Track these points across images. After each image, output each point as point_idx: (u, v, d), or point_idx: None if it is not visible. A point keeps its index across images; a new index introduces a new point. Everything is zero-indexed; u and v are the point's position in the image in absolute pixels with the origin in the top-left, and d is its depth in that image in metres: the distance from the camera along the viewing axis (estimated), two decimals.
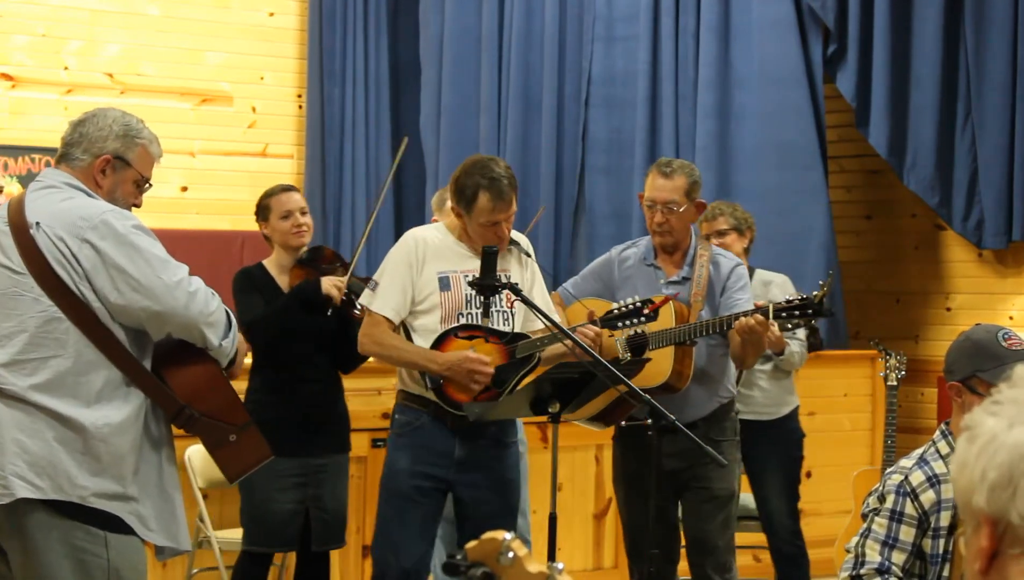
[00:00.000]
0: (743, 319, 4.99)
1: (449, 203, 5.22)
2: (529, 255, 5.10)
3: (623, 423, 5.22)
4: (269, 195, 5.66)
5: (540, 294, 5.09)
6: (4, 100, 8.97)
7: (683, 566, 5.59)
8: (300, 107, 9.90)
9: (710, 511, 5.33)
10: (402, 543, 4.99)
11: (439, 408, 4.93)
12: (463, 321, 4.93)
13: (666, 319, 5.19)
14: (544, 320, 4.79)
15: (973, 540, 1.62)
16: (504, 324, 4.98)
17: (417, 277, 4.93)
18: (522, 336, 5.00)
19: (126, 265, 3.80)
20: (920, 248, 8.74)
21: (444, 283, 4.94)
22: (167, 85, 9.40)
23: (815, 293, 4.99)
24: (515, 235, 5.07)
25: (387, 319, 4.93)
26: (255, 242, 9.07)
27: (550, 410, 4.88)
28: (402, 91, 9.97)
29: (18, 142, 8.83)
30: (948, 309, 8.56)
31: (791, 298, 5.04)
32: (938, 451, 3.86)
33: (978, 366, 3.74)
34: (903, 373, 7.19)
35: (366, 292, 5.01)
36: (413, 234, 5.06)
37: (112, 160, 3.94)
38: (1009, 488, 1.57)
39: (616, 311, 5.06)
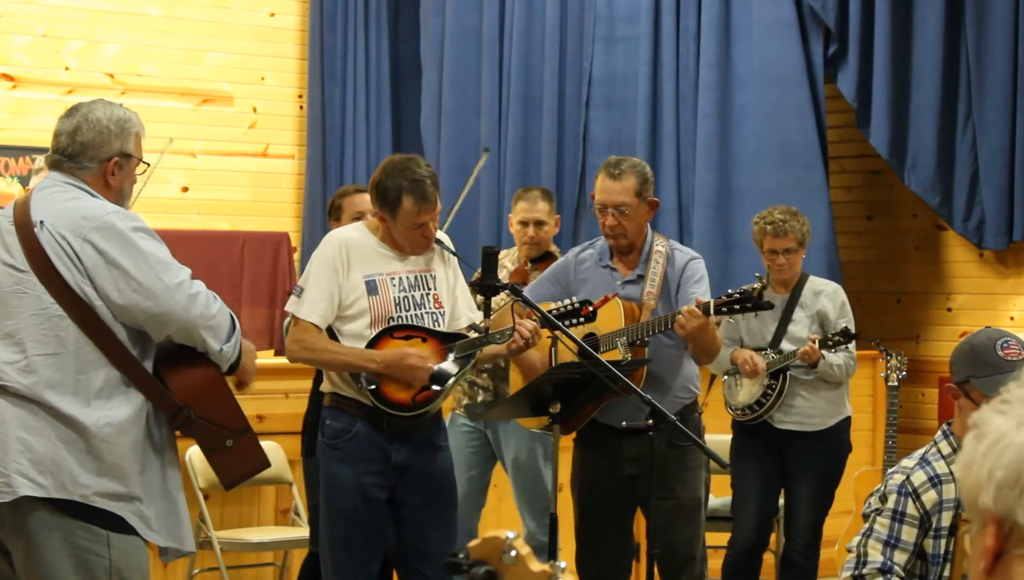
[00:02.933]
0: (680, 318, 4.92)
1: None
2: (453, 253, 4.98)
3: (624, 424, 5.15)
4: (343, 195, 5.65)
5: (463, 292, 4.99)
6: (4, 100, 8.97)
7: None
8: (301, 107, 9.90)
9: (680, 522, 5.18)
10: (351, 567, 4.86)
11: (372, 411, 4.78)
12: (393, 325, 4.81)
13: (615, 319, 5.13)
14: (542, 317, 4.78)
15: (978, 539, 1.62)
16: (434, 325, 4.85)
17: (344, 281, 4.78)
18: (460, 336, 4.88)
19: (127, 266, 3.81)
20: (921, 248, 8.74)
21: (371, 287, 4.80)
22: (168, 85, 9.40)
23: (754, 286, 4.97)
24: (438, 233, 4.94)
25: (314, 325, 4.77)
26: (256, 242, 9.11)
27: (551, 410, 4.87)
28: (403, 91, 9.97)
29: (18, 142, 8.83)
30: (949, 309, 8.56)
31: (731, 292, 4.99)
32: (940, 451, 3.86)
33: (972, 372, 3.75)
34: (904, 373, 7.18)
35: (292, 298, 4.83)
36: (336, 236, 4.90)
37: (119, 160, 3.98)
38: (1016, 488, 1.57)
39: (554, 311, 4.92)
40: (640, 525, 5.79)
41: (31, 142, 8.85)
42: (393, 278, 4.82)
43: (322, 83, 9.73)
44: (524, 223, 6.11)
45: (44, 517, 3.81)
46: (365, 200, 5.52)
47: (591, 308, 4.96)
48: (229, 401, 4.03)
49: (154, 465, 3.91)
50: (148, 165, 4.10)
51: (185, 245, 7.48)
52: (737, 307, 4.93)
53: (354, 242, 4.84)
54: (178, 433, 4.02)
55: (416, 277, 4.86)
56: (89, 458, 3.80)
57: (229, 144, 9.61)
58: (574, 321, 4.92)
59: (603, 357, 4.96)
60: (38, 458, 3.79)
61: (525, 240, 6.10)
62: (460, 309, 4.96)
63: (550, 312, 4.90)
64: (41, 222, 3.84)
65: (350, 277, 4.79)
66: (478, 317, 4.98)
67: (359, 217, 5.44)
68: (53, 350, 3.81)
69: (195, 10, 9.54)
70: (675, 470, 5.11)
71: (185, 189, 9.44)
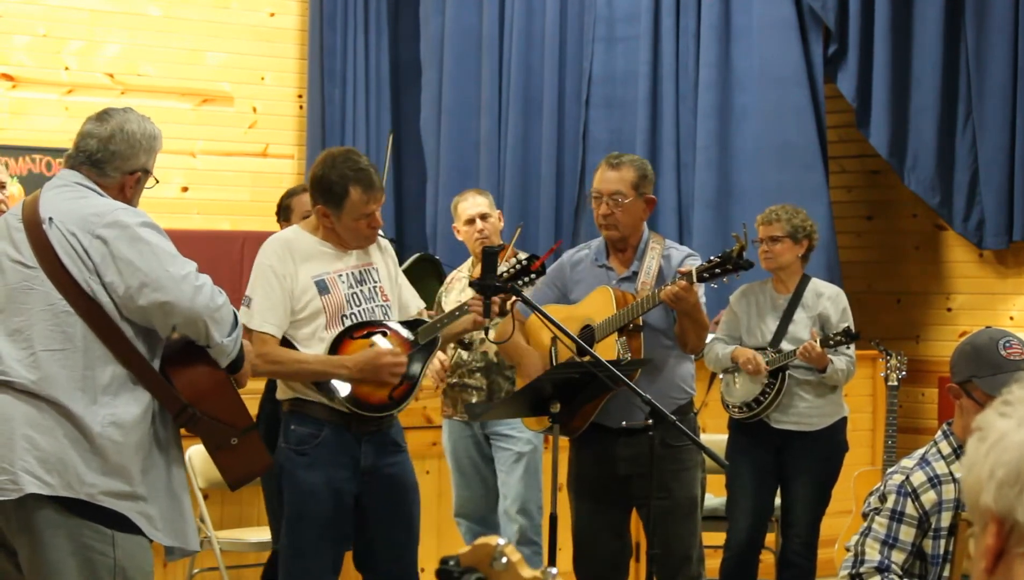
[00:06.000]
0: (668, 288, 4.93)
1: None
2: (389, 239, 4.91)
3: (624, 424, 5.15)
4: (291, 195, 5.60)
5: (404, 281, 4.95)
6: (4, 100, 8.96)
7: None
8: (301, 107, 9.90)
9: (675, 522, 5.17)
10: (318, 572, 4.74)
11: (339, 414, 4.68)
12: (348, 322, 4.71)
13: (607, 307, 5.13)
14: (544, 319, 4.77)
15: (980, 539, 1.62)
16: (384, 318, 4.79)
17: (293, 285, 4.66)
18: (419, 322, 4.82)
19: (134, 258, 3.85)
20: (921, 248, 8.74)
21: (322, 286, 4.69)
22: (168, 85, 9.40)
23: (732, 248, 4.98)
24: None
25: (271, 336, 4.63)
26: (256, 242, 9.00)
27: (551, 410, 4.86)
28: (402, 91, 9.96)
29: (18, 142, 8.83)
30: (949, 309, 8.56)
31: (711, 258, 5.00)
32: (940, 452, 3.86)
33: (975, 372, 3.75)
34: (904, 373, 7.19)
35: (242, 309, 4.59)
36: (275, 241, 4.78)
37: (140, 175, 4.03)
38: (1016, 486, 1.57)
39: (506, 273, 4.85)
40: (638, 525, 5.79)
41: (31, 142, 8.86)
42: (340, 275, 4.75)
43: (322, 83, 9.73)
44: (471, 221, 6.15)
45: (50, 515, 3.82)
46: None
47: (539, 262, 4.97)
48: (234, 400, 4.06)
49: (159, 464, 3.93)
50: (157, 181, 4.12)
51: (185, 245, 7.39)
52: (718, 271, 4.96)
53: (295, 244, 4.75)
54: (183, 431, 4.04)
55: (360, 272, 4.80)
56: (95, 457, 3.82)
57: (229, 144, 9.61)
58: (526, 279, 4.92)
59: (600, 347, 4.99)
60: (45, 456, 3.80)
61: (477, 236, 6.13)
62: (407, 298, 4.93)
63: (502, 273, 4.85)
64: (50, 219, 3.88)
65: (299, 279, 4.70)
66: (422, 304, 4.99)
67: (309, 216, 5.42)
68: (60, 346, 3.84)
69: (195, 10, 9.54)
70: (670, 470, 5.11)
71: (185, 189, 9.44)
